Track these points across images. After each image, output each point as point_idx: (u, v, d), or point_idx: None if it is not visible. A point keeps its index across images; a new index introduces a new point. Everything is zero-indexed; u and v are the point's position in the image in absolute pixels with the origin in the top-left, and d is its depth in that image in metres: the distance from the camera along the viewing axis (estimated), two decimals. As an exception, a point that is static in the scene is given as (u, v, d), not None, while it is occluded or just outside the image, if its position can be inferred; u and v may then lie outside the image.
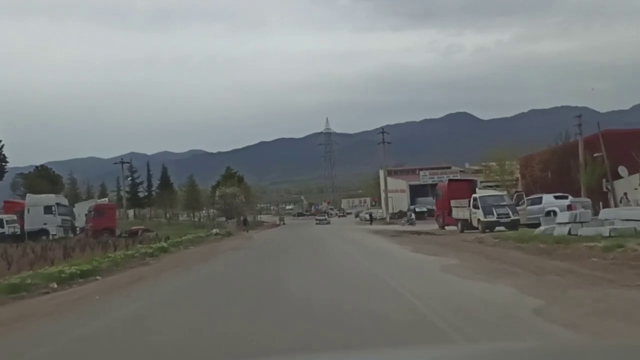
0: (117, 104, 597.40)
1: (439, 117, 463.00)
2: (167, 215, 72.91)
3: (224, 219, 67.12)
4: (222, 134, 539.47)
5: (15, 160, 74.45)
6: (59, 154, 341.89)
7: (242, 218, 66.61)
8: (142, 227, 53.13)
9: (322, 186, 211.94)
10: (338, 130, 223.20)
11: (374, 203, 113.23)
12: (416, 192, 78.73)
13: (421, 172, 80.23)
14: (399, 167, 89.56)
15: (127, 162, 73.68)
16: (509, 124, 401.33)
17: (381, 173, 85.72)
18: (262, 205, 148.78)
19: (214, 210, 70.97)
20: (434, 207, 49.59)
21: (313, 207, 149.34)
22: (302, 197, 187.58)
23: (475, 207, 31.16)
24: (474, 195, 32.65)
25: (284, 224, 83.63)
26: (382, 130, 69.55)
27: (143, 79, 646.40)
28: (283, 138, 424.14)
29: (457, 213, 34.37)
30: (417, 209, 71.57)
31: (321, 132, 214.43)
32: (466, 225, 32.38)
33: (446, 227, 38.13)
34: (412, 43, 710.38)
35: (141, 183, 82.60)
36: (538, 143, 55.00)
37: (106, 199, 68.07)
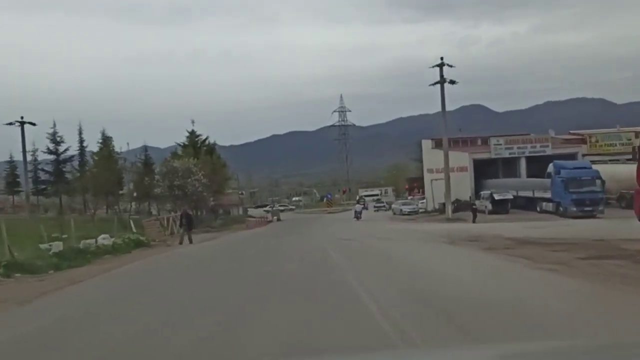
0: (132, 97, 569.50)
1: (453, 109, 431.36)
2: (94, 205, 43.57)
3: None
4: (235, 127, 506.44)
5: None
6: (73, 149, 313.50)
7: (182, 213, 29.41)
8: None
9: (334, 178, 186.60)
10: (351, 123, 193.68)
11: (407, 194, 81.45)
12: (479, 171, 48.06)
13: (492, 140, 48.48)
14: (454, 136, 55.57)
15: (32, 124, 43.94)
16: (524, 116, 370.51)
17: (424, 143, 54.18)
18: (272, 198, 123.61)
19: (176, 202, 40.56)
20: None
21: (324, 198, 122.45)
22: (315, 190, 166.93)
23: None
24: None
25: (278, 220, 53.26)
26: (441, 63, 38.51)
27: (158, 73, 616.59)
28: (295, 131, 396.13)
29: None
30: (495, 196, 41.35)
31: (335, 117, 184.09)
32: None
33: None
34: (426, 35, 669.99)
35: (70, 159, 52.21)
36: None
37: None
